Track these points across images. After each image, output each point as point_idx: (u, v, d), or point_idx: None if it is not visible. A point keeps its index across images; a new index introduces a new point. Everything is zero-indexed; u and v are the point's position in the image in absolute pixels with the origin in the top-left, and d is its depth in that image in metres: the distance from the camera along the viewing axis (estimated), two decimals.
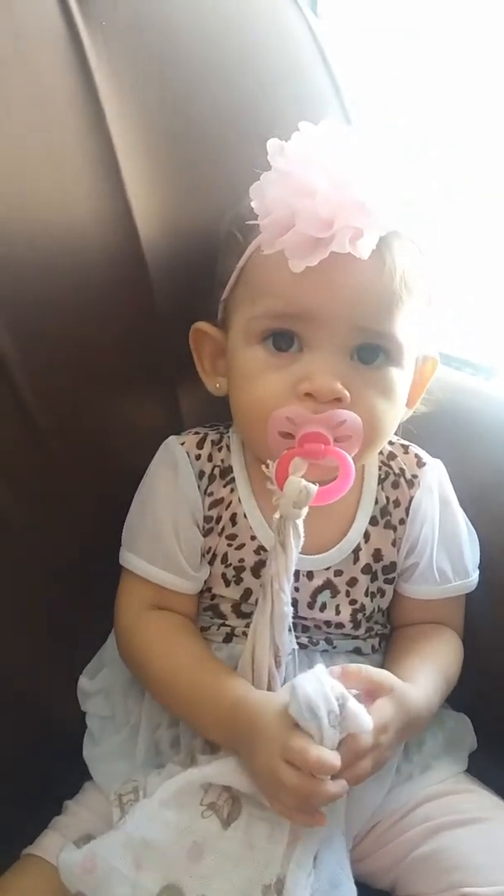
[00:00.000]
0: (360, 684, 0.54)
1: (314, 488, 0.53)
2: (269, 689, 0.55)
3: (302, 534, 0.55)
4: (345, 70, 0.74)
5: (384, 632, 0.66)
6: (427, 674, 0.59)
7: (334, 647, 0.62)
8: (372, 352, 0.57)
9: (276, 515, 0.54)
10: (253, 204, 0.54)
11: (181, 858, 0.51)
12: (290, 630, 0.56)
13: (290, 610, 0.55)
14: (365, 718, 0.50)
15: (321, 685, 0.50)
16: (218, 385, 0.63)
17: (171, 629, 0.61)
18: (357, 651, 0.63)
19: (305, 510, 0.54)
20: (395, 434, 0.65)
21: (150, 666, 0.60)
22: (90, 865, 0.51)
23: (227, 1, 0.69)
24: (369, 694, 0.54)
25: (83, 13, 0.60)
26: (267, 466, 0.55)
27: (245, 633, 0.57)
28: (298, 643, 0.60)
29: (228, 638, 0.62)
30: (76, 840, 0.54)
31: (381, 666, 0.63)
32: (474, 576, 0.65)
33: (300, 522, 0.54)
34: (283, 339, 0.57)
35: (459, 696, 0.66)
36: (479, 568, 0.66)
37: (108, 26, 0.61)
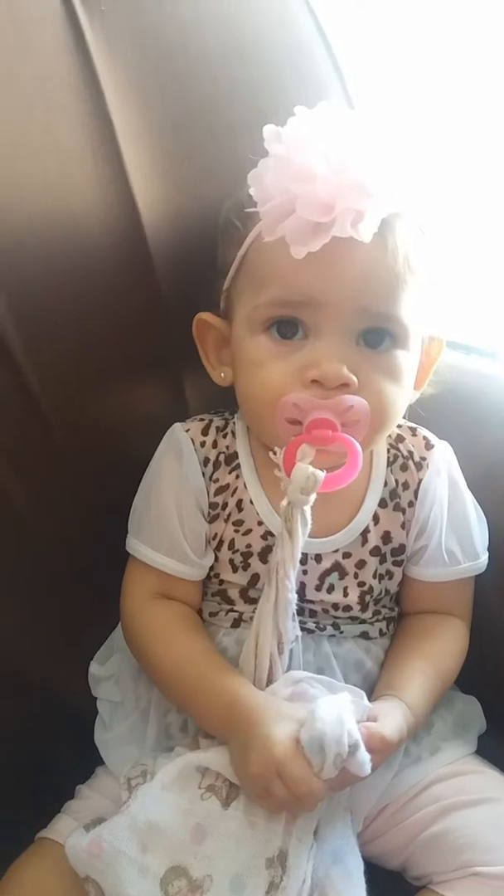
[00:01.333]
0: (374, 744, 0.52)
1: (322, 475, 0.53)
2: (271, 675, 0.56)
3: (309, 521, 0.55)
4: (348, 57, 0.73)
5: (392, 615, 0.66)
6: (425, 687, 0.60)
7: (341, 632, 0.62)
8: (378, 335, 0.57)
9: (284, 502, 0.55)
10: (251, 191, 0.54)
11: (185, 840, 0.52)
12: (294, 617, 0.56)
13: (294, 597, 0.56)
14: (366, 767, 0.51)
15: (340, 726, 0.50)
16: (223, 375, 0.63)
17: (174, 621, 0.62)
18: (364, 635, 0.63)
19: (313, 497, 0.54)
20: (403, 417, 0.65)
21: (152, 656, 0.61)
22: (96, 850, 0.52)
23: None
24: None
25: None
26: (275, 453, 0.55)
27: (253, 619, 0.58)
28: (305, 628, 0.61)
29: (236, 623, 0.62)
30: (86, 824, 0.55)
31: (386, 655, 0.63)
32: (484, 557, 0.65)
33: (308, 509, 0.54)
34: (287, 327, 0.57)
35: (469, 679, 0.66)
36: (488, 550, 0.66)
37: (107, 11, 0.61)
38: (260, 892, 0.51)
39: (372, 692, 0.61)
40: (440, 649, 0.63)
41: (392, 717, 0.55)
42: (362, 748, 0.50)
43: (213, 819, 0.53)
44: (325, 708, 0.51)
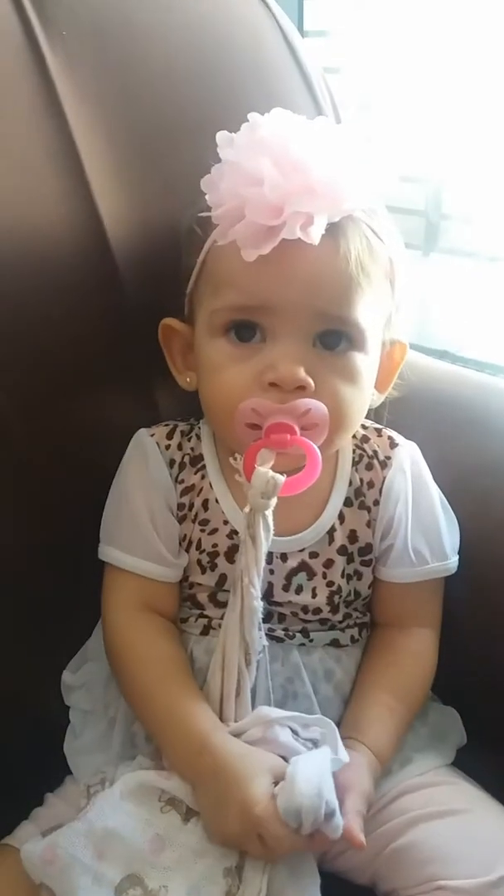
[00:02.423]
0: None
1: (281, 479, 0.53)
2: (239, 688, 0.56)
3: (272, 526, 0.55)
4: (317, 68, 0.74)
5: (364, 620, 0.65)
6: (392, 723, 0.59)
7: (311, 641, 0.62)
8: (334, 338, 0.57)
9: (246, 508, 0.55)
10: (206, 197, 0.55)
11: (143, 849, 0.52)
12: (260, 627, 0.56)
13: (259, 605, 0.55)
14: (339, 831, 0.50)
15: (318, 798, 0.49)
16: (188, 380, 0.64)
17: (154, 640, 0.61)
18: (335, 643, 0.62)
19: (274, 501, 0.54)
20: (372, 419, 0.65)
21: (129, 675, 0.60)
22: (50, 856, 0.52)
23: (190, 2, 0.70)
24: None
25: (42, 22, 0.62)
26: (235, 459, 0.56)
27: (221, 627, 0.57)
28: (274, 636, 0.60)
29: (206, 630, 0.62)
30: (44, 830, 0.54)
31: (357, 668, 0.63)
32: (453, 559, 0.64)
33: (269, 514, 0.54)
34: (245, 331, 0.57)
35: (449, 691, 0.65)
36: (462, 561, 0.64)
37: (68, 35, 0.62)
38: None
39: (342, 702, 0.61)
40: (406, 679, 0.62)
41: (360, 786, 0.54)
42: (338, 815, 0.50)
43: (172, 830, 0.53)
44: (303, 773, 0.50)
